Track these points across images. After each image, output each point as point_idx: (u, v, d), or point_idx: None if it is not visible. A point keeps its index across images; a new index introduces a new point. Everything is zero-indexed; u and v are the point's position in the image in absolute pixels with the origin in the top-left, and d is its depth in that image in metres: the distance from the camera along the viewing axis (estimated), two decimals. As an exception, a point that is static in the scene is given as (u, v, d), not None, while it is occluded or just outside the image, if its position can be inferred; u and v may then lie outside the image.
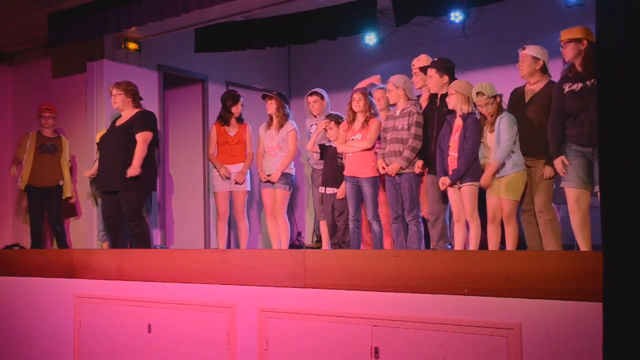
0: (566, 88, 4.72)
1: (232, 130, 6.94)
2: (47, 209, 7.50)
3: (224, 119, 6.99)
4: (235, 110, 6.96)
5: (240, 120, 7.00)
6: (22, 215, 8.23)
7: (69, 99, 7.91)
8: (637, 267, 3.08)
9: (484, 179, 4.95)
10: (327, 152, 6.26)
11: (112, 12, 6.70)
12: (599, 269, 3.26)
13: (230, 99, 7.02)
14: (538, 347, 3.72)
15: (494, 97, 4.97)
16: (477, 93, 5.00)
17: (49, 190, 7.47)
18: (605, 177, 3.28)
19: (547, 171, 4.90)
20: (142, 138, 6.33)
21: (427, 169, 5.56)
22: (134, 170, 6.23)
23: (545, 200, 4.95)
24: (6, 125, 8.53)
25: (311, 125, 6.73)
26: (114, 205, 6.41)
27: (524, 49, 5.12)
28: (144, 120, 6.44)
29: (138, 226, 6.35)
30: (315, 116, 6.69)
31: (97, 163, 6.82)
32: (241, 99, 7.03)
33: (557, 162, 4.72)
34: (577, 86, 4.65)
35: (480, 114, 5.06)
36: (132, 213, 6.31)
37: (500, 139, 4.90)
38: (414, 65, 5.94)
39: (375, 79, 6.52)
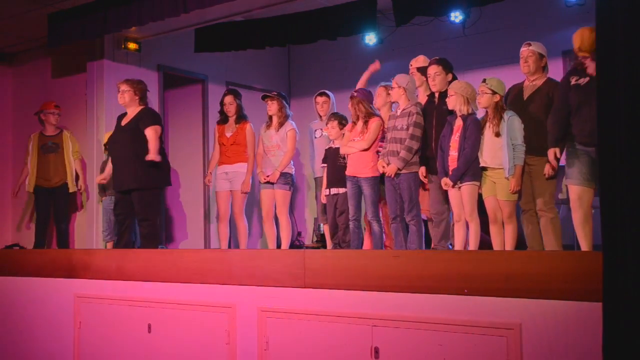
0: (572, 81, 4.68)
1: (229, 130, 6.85)
2: (54, 208, 7.51)
3: (220, 118, 6.98)
4: (226, 109, 6.86)
5: (240, 119, 6.84)
6: (27, 216, 8.22)
7: (69, 99, 7.91)
8: (637, 267, 3.08)
9: (516, 184, 4.91)
10: (330, 154, 6.25)
11: (112, 12, 6.70)
12: (599, 269, 3.26)
13: (222, 97, 6.97)
14: (538, 347, 3.72)
15: (493, 92, 4.97)
16: (483, 80, 5.01)
17: (56, 190, 7.47)
18: (604, 177, 3.28)
19: (548, 169, 4.87)
20: (153, 131, 6.28)
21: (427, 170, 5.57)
22: (154, 156, 6.15)
23: (547, 199, 4.93)
24: (6, 125, 8.53)
25: (315, 130, 6.71)
26: (126, 204, 6.40)
27: (530, 45, 5.11)
28: (150, 115, 6.45)
29: (150, 226, 6.31)
30: (321, 117, 6.67)
31: (107, 167, 6.83)
32: (228, 97, 6.87)
33: (550, 152, 4.72)
34: (583, 80, 4.62)
35: (486, 114, 5.07)
36: (146, 213, 6.29)
37: (516, 140, 4.90)
38: (411, 66, 5.95)
39: (374, 66, 6.52)
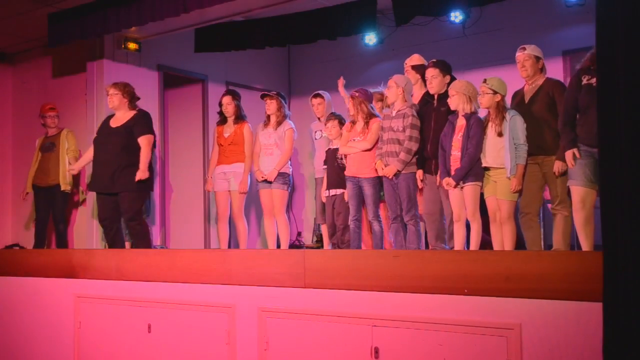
0: (584, 80, 4.62)
1: (227, 130, 6.85)
2: (53, 208, 7.50)
3: (219, 119, 6.99)
4: (224, 110, 6.87)
5: (238, 119, 6.83)
6: (27, 216, 8.22)
7: (69, 99, 7.91)
8: (637, 267, 3.07)
9: (518, 183, 4.90)
10: (329, 155, 6.25)
11: (112, 12, 6.70)
12: (599, 269, 3.26)
13: (220, 98, 6.98)
14: (538, 347, 3.72)
15: (494, 92, 4.97)
16: (484, 80, 5.01)
17: (54, 189, 7.46)
18: (605, 177, 3.28)
19: (558, 166, 4.81)
20: (147, 141, 6.37)
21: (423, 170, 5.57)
22: (143, 174, 6.26)
23: (564, 198, 4.88)
24: (6, 125, 8.53)
25: (315, 131, 6.72)
26: (111, 207, 6.40)
27: (525, 49, 5.10)
28: (145, 122, 6.47)
29: (139, 225, 6.35)
30: (319, 118, 6.69)
31: (82, 160, 6.82)
32: (226, 97, 6.87)
33: (569, 154, 4.64)
34: (595, 80, 4.58)
35: (488, 114, 5.07)
36: (134, 212, 6.31)
37: (518, 140, 4.89)
38: (406, 64, 5.96)
39: (341, 82, 6.61)
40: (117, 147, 6.34)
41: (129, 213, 6.32)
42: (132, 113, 6.48)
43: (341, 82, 6.60)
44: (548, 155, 4.93)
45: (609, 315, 3.17)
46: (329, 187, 6.18)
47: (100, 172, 6.43)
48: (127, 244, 6.67)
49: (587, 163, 4.57)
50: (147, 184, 6.42)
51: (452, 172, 5.08)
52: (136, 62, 7.75)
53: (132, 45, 7.68)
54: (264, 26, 7.23)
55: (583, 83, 4.62)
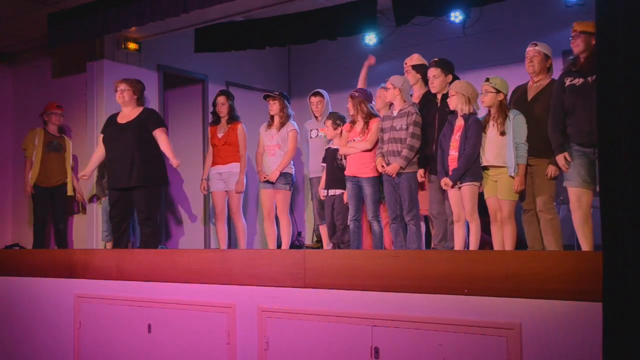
0: (567, 82, 4.68)
1: (221, 131, 6.90)
2: (52, 208, 7.49)
3: (212, 119, 7.03)
4: (218, 110, 6.92)
5: (231, 119, 6.90)
6: (27, 215, 8.21)
7: (69, 99, 7.91)
8: (637, 267, 3.07)
9: (520, 182, 4.90)
10: (328, 154, 6.25)
11: (112, 12, 6.70)
12: (599, 269, 3.26)
13: (215, 98, 7.02)
14: (538, 347, 3.72)
15: (497, 91, 4.96)
16: (487, 79, 5.01)
17: (55, 189, 7.46)
18: (605, 177, 3.27)
19: (551, 170, 4.85)
20: (164, 133, 6.50)
21: (427, 170, 5.56)
22: (176, 161, 6.38)
23: (546, 200, 4.93)
24: (6, 125, 8.53)
25: (311, 130, 6.72)
26: (124, 204, 6.40)
27: (536, 45, 5.09)
28: (157, 116, 6.62)
29: (154, 225, 6.39)
30: (316, 117, 6.70)
31: (91, 163, 6.81)
32: (220, 97, 6.93)
33: (560, 158, 4.70)
34: (578, 81, 4.61)
35: (488, 113, 5.06)
36: (151, 211, 6.33)
37: (520, 139, 4.89)
38: (406, 64, 5.96)
39: (369, 62, 6.56)
40: (131, 141, 6.36)
41: (144, 212, 6.32)
42: (139, 109, 6.55)
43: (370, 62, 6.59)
44: (539, 158, 4.94)
45: (609, 315, 3.17)
46: (327, 187, 6.18)
47: (115, 168, 6.44)
48: (129, 244, 6.68)
49: (581, 163, 4.60)
50: (163, 179, 6.45)
51: (450, 173, 5.08)
52: (136, 62, 7.75)
53: (132, 45, 7.69)
54: (264, 26, 7.23)
55: (566, 85, 4.67)
